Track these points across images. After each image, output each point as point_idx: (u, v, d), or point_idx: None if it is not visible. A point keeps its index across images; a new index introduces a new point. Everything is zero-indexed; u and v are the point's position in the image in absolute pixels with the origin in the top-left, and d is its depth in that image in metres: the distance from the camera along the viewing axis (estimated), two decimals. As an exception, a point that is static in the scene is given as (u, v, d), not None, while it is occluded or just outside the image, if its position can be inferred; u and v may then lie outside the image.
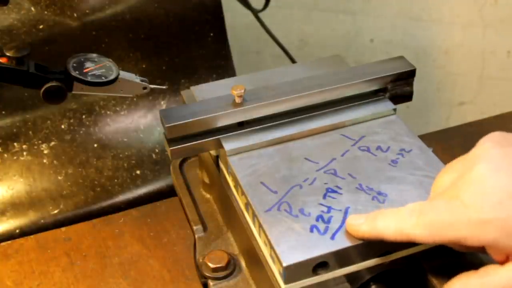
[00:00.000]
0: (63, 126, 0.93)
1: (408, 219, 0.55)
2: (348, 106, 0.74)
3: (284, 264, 0.57)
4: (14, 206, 0.89)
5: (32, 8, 0.92)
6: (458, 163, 0.57)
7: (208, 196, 0.82)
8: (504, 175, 0.52)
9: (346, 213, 0.61)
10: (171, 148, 0.69)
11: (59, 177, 0.91)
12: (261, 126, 0.71)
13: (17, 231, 0.87)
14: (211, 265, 0.70)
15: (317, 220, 0.61)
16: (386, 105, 0.74)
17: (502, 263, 0.53)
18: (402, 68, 0.74)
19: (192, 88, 0.78)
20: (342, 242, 0.58)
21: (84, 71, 0.69)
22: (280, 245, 0.58)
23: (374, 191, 0.63)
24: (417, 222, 0.54)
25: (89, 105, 0.95)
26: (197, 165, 0.84)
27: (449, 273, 0.60)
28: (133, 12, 0.95)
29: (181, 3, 0.97)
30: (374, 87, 0.74)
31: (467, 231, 0.52)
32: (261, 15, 1.26)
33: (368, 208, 0.61)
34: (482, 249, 0.53)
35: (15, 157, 0.91)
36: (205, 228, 0.77)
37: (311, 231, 0.59)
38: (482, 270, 0.53)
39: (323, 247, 0.58)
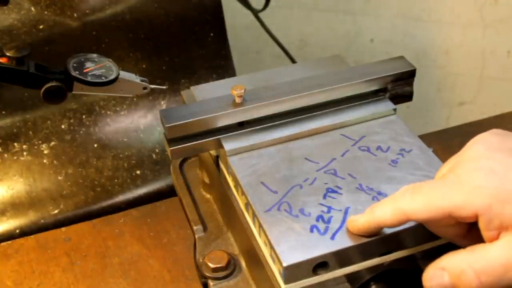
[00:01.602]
0: (63, 126, 0.93)
1: (402, 198, 0.55)
2: (348, 106, 0.74)
3: (284, 264, 0.57)
4: (14, 206, 0.89)
5: (32, 8, 0.92)
6: (455, 157, 0.58)
7: (208, 196, 0.82)
8: (499, 153, 0.54)
9: (346, 213, 0.61)
10: (171, 148, 0.69)
11: (59, 177, 0.91)
12: (261, 126, 0.71)
13: (17, 231, 0.87)
14: (211, 265, 0.70)
15: (317, 220, 0.61)
16: (386, 105, 0.74)
17: (492, 241, 0.53)
18: (402, 68, 0.74)
19: (192, 88, 0.78)
20: (342, 242, 0.58)
21: (84, 71, 0.69)
22: (280, 245, 0.58)
23: (374, 191, 0.63)
24: (412, 197, 0.55)
25: (89, 105, 0.95)
26: (197, 165, 0.84)
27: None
28: (133, 12, 0.95)
29: (181, 3, 0.97)
30: (374, 87, 0.74)
31: (461, 198, 0.52)
32: (261, 15, 1.26)
33: (368, 208, 0.61)
34: (475, 231, 0.54)
35: (15, 157, 0.91)
36: (205, 228, 0.77)
37: (311, 231, 0.60)
38: (471, 247, 0.54)
39: (323, 247, 0.58)
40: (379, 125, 0.72)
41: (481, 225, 0.52)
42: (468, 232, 0.57)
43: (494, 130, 0.57)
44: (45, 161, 0.91)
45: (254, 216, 0.63)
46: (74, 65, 0.69)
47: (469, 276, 0.52)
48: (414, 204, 0.54)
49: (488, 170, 0.53)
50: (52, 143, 0.92)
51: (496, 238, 0.52)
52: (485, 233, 0.53)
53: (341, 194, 0.63)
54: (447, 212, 0.53)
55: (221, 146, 0.70)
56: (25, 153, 0.91)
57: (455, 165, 0.56)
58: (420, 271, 0.61)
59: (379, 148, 0.69)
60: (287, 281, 0.58)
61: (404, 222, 0.56)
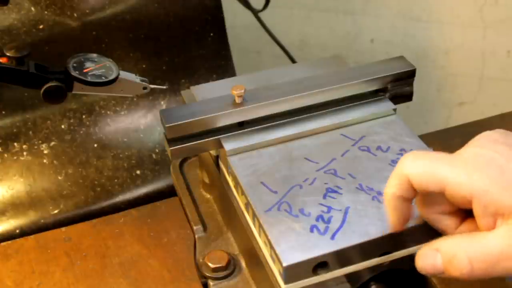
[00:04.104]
0: (63, 126, 0.93)
1: (404, 162, 0.55)
2: (348, 106, 0.74)
3: (284, 264, 0.57)
4: (14, 206, 0.89)
5: (32, 8, 0.92)
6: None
7: (208, 196, 0.82)
8: (501, 146, 0.54)
9: (346, 213, 0.61)
10: (171, 148, 0.69)
11: (59, 177, 0.91)
12: (261, 126, 0.71)
13: (17, 231, 0.87)
14: (211, 265, 0.70)
15: (317, 220, 0.61)
16: (386, 105, 0.74)
17: (487, 229, 0.52)
18: (402, 68, 0.74)
19: (192, 88, 0.78)
20: (342, 242, 0.58)
21: (84, 71, 0.69)
22: (280, 245, 0.58)
23: (374, 191, 0.63)
24: (414, 160, 0.54)
25: (89, 105, 0.95)
26: (197, 165, 0.84)
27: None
28: (133, 12, 0.95)
29: (181, 3, 0.97)
30: (374, 87, 0.74)
31: (462, 175, 0.52)
32: (261, 15, 1.26)
33: (368, 208, 0.61)
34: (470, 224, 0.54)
35: (15, 157, 0.91)
36: (205, 228, 0.77)
37: (311, 231, 0.60)
38: (469, 233, 0.53)
39: (323, 247, 0.58)
40: (379, 125, 0.72)
41: (476, 210, 0.52)
42: (462, 224, 0.57)
43: (497, 130, 0.57)
44: (45, 161, 0.91)
45: (254, 216, 0.63)
46: (74, 65, 0.69)
47: (462, 261, 0.52)
48: (415, 168, 0.54)
49: (490, 158, 0.53)
50: (52, 143, 0.92)
51: (492, 226, 0.52)
52: (480, 220, 0.52)
53: (341, 194, 0.63)
54: (443, 184, 0.52)
55: (221, 146, 0.70)
56: (25, 153, 0.91)
57: (461, 150, 0.55)
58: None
59: (379, 148, 0.69)
60: (287, 281, 0.58)
61: (406, 186, 0.55)
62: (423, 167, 0.54)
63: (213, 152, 0.73)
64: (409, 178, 0.54)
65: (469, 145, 0.56)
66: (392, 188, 0.56)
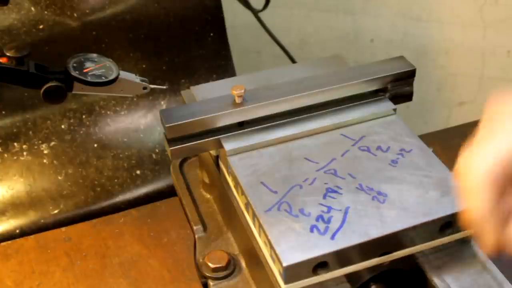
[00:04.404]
0: (63, 126, 0.93)
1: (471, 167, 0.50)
2: (348, 106, 0.74)
3: (284, 264, 0.57)
4: (14, 206, 0.89)
5: (32, 8, 0.92)
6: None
7: (208, 196, 0.82)
8: None
9: (346, 213, 0.61)
10: (171, 148, 0.69)
11: (59, 177, 0.91)
12: (261, 126, 0.71)
13: (17, 231, 0.87)
14: (211, 265, 0.70)
15: (317, 220, 0.61)
16: (386, 105, 0.74)
17: None
18: (402, 68, 0.74)
19: (192, 88, 0.78)
20: (342, 242, 0.58)
21: (84, 71, 0.69)
22: (280, 245, 0.58)
23: (374, 191, 0.63)
24: (478, 152, 0.50)
25: (89, 105, 0.95)
26: (197, 165, 0.84)
27: (449, 273, 0.60)
28: (133, 12, 0.95)
29: (181, 3, 0.97)
30: (374, 87, 0.74)
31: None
32: (261, 15, 1.26)
33: (368, 208, 0.61)
34: None
35: (15, 157, 0.91)
36: (205, 228, 0.77)
37: (311, 231, 0.60)
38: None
39: (323, 247, 0.58)
40: (379, 125, 0.72)
41: None
42: None
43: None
44: (45, 161, 0.91)
45: (254, 216, 0.63)
46: (74, 65, 0.69)
47: None
48: (486, 161, 0.49)
49: None
50: (52, 143, 0.92)
51: None
52: None
53: (341, 194, 0.63)
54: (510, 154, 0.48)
55: (221, 146, 0.70)
56: (25, 153, 0.91)
57: (484, 119, 0.52)
58: (420, 271, 0.62)
59: (379, 148, 0.69)
60: (287, 281, 0.58)
61: (496, 187, 0.49)
62: (491, 153, 0.49)
63: (213, 152, 0.73)
64: (490, 174, 0.49)
65: (487, 111, 0.52)
66: (484, 203, 0.49)
